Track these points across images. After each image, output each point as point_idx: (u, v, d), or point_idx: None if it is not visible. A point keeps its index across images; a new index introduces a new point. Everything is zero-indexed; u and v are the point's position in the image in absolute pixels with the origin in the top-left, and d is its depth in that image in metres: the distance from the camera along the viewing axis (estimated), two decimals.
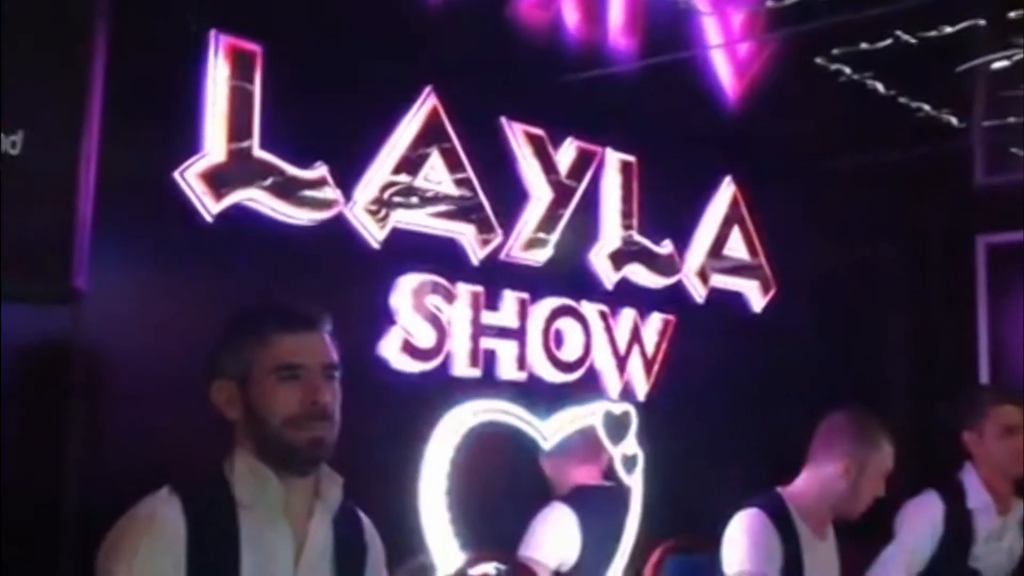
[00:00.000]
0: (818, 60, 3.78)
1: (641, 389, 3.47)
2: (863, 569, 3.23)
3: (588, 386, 3.34)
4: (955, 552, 3.21)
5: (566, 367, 3.28)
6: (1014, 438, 3.22)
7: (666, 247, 3.60)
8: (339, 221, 2.80)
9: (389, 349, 2.87)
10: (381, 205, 2.87)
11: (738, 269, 3.83)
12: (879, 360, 4.02)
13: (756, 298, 3.89)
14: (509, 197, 3.18)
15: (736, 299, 3.85)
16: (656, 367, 3.51)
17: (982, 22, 3.46)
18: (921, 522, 3.23)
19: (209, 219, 2.54)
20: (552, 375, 3.25)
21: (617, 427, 3.36)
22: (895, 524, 3.27)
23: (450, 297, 3.01)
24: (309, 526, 1.89)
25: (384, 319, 2.88)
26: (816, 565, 2.86)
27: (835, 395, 3.04)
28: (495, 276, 3.12)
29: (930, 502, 3.25)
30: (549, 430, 3.24)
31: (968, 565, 3.23)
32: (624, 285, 3.47)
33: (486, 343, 3.09)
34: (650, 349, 3.50)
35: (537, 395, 3.21)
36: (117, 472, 2.22)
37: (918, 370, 3.98)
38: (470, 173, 3.05)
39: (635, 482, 3.41)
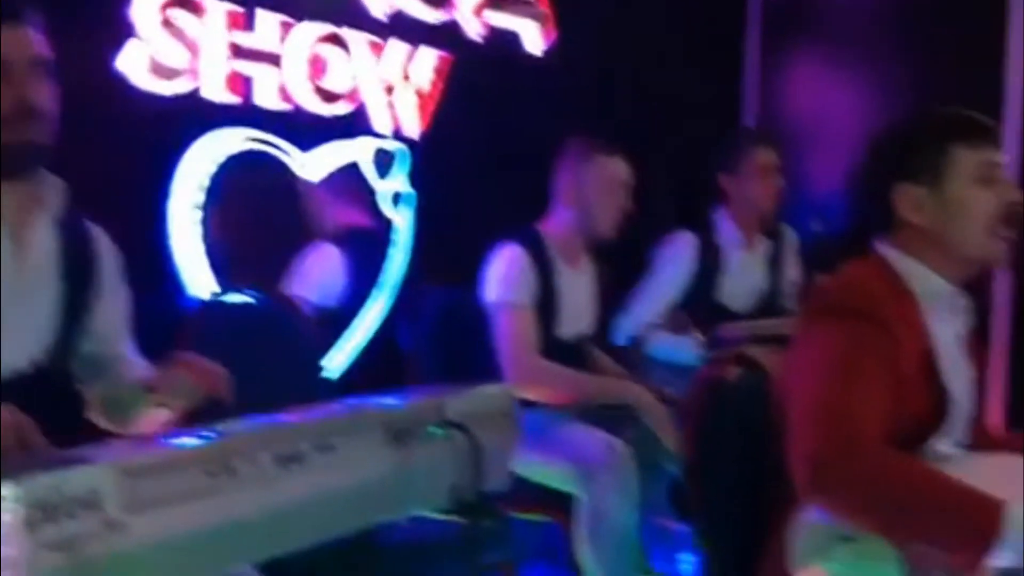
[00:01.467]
0: None
1: (412, 128, 3.38)
2: (620, 301, 3.38)
3: (356, 121, 3.22)
4: (705, 285, 3.41)
5: (332, 99, 3.15)
6: (767, 178, 3.39)
7: None
8: None
9: (130, 66, 2.66)
10: None
11: (517, 9, 3.72)
12: (649, 108, 4.06)
13: (535, 41, 3.82)
14: None
15: (514, 40, 3.77)
16: (429, 106, 3.42)
17: None
18: (674, 256, 3.40)
19: None
20: (317, 107, 3.11)
21: (385, 164, 3.30)
22: (653, 260, 3.43)
23: (198, 11, 2.79)
24: (28, 231, 1.78)
25: (123, 33, 2.65)
26: (571, 293, 2.98)
27: (605, 137, 3.07)
28: None
29: (683, 238, 3.42)
30: (314, 165, 3.15)
31: (717, 299, 3.44)
32: (396, 17, 3.32)
33: (243, 67, 2.91)
34: (424, 86, 3.40)
35: (301, 127, 3.08)
36: None
37: (685, 117, 4.06)
38: None
39: (402, 221, 3.38)
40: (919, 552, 1.53)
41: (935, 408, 1.72)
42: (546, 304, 2.89)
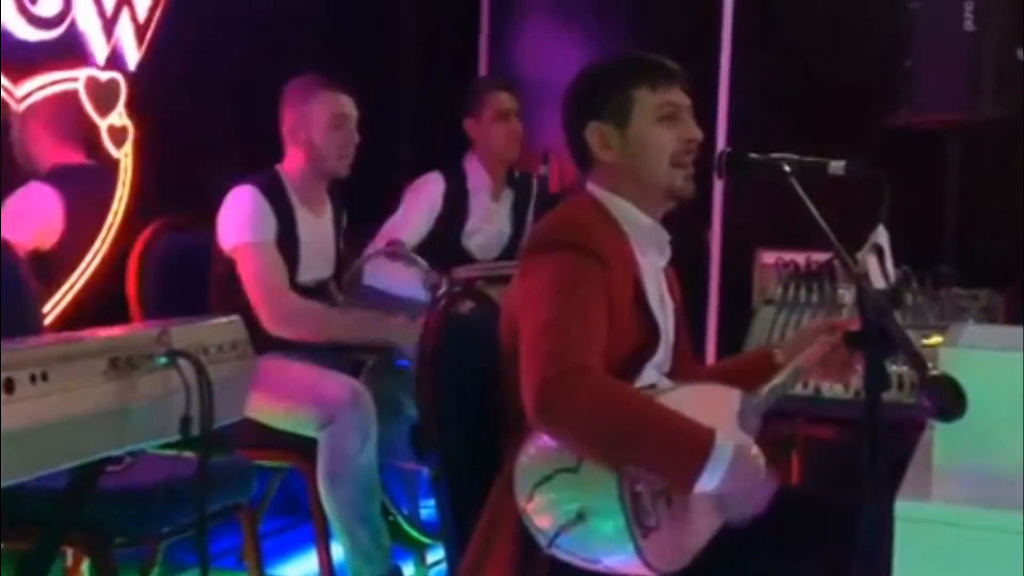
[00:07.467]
0: None
1: (132, 57, 3.16)
2: (359, 244, 3.33)
3: (69, 49, 2.98)
4: (451, 229, 3.41)
5: (42, 23, 2.89)
6: (508, 122, 3.43)
7: None
8: None
9: None
10: None
11: None
12: (390, 53, 4.02)
13: None
14: None
15: None
16: (150, 34, 3.20)
17: None
18: (421, 198, 3.40)
19: None
20: (25, 31, 2.85)
21: (103, 96, 3.08)
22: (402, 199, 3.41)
23: None
24: None
25: None
26: (311, 238, 2.91)
27: (343, 78, 3.00)
28: None
29: (432, 180, 3.42)
30: (22, 96, 2.89)
31: (461, 244, 3.46)
32: None
33: None
34: (142, 13, 3.17)
35: (7, 53, 2.81)
36: None
37: (425, 62, 4.05)
38: None
39: (125, 157, 3.18)
40: (634, 474, 1.60)
41: (646, 337, 1.82)
42: (285, 250, 2.81)
